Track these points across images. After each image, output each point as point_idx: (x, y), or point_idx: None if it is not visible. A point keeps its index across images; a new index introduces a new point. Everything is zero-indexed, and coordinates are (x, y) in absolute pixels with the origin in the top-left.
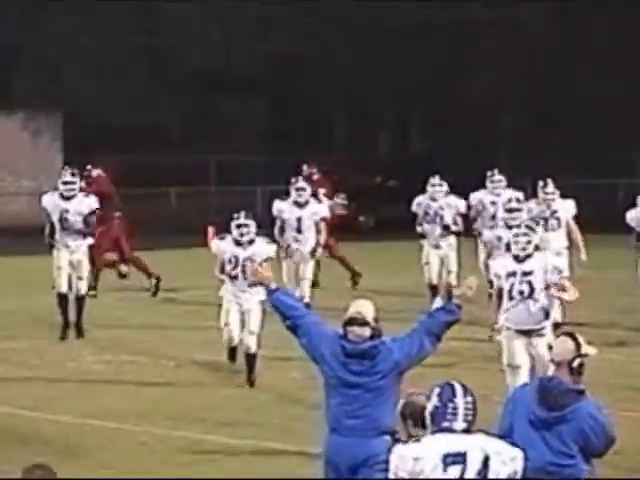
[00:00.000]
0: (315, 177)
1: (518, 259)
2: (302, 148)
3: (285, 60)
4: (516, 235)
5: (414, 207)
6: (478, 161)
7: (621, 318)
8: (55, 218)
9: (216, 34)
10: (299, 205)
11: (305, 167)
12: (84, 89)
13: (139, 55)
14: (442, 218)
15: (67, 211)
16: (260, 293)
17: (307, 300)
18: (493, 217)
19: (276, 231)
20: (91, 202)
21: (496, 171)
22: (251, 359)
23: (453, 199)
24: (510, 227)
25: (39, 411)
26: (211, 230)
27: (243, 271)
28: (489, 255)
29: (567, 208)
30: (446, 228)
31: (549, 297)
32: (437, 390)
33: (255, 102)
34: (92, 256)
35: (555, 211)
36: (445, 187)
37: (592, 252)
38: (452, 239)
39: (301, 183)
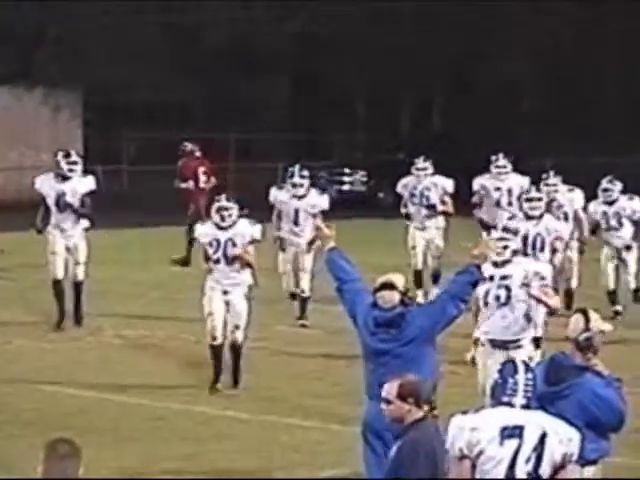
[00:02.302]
0: (197, 154)
1: (497, 265)
2: (324, 126)
3: (308, 39)
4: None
5: (399, 188)
6: (498, 141)
7: None
8: (51, 201)
9: (239, 13)
10: (297, 197)
11: (187, 144)
12: (105, 66)
13: (161, 33)
14: (428, 199)
15: (64, 193)
16: (244, 283)
17: (308, 294)
18: (497, 204)
19: (274, 219)
20: (88, 182)
21: (500, 156)
22: (237, 351)
23: (439, 179)
24: (529, 218)
25: (58, 385)
26: None
27: (225, 255)
28: None
29: (573, 199)
30: (431, 207)
31: (529, 301)
32: (498, 366)
33: (277, 80)
34: None
35: (561, 205)
36: (430, 169)
37: None
38: (440, 221)
39: (297, 178)
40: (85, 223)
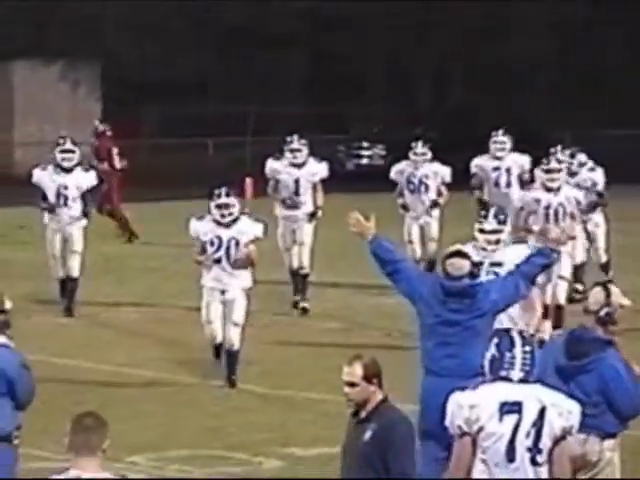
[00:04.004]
0: (109, 134)
1: (485, 251)
2: (341, 100)
3: (325, 13)
4: (482, 231)
5: (393, 175)
6: (515, 115)
7: None
8: (51, 194)
9: None
10: (296, 166)
11: (97, 123)
12: (123, 42)
13: (178, 8)
14: (427, 187)
15: (66, 187)
16: (244, 279)
17: (307, 270)
18: (496, 184)
19: (269, 190)
20: (91, 177)
21: (500, 132)
22: (233, 357)
23: (438, 167)
24: (549, 190)
25: (77, 359)
26: (249, 181)
27: (227, 254)
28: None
29: (594, 179)
30: (434, 205)
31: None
32: (495, 340)
33: (294, 55)
34: None
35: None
36: (429, 155)
37: (628, 204)
38: (435, 212)
39: (296, 144)
40: (84, 221)
